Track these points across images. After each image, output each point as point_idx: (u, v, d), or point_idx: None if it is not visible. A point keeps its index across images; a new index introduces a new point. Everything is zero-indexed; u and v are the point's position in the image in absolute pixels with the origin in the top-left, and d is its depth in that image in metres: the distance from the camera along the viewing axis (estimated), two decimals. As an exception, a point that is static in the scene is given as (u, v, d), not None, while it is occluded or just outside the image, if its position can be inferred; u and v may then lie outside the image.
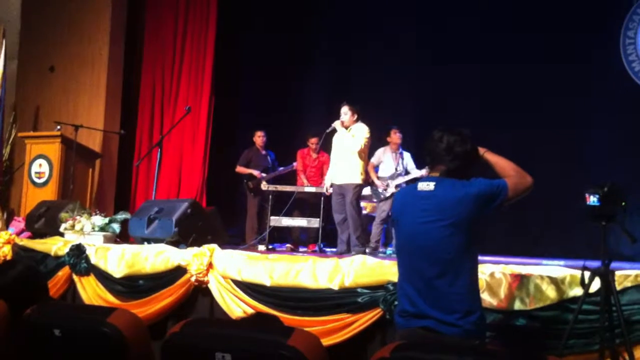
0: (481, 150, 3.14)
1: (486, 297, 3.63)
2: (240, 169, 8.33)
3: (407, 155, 7.72)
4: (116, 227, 6.25)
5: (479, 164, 3.13)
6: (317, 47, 9.79)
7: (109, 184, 9.18)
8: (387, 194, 7.28)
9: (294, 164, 8.27)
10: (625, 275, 3.51)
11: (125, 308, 3.70)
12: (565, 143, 8.00)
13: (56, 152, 7.87)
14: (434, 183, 3.01)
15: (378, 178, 7.51)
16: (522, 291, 3.64)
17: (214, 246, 4.95)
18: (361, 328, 4.04)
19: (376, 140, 7.37)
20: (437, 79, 8.58)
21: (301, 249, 7.53)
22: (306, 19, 9.65)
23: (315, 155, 8.16)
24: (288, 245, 7.76)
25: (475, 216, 2.92)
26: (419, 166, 7.40)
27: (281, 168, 8.37)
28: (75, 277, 5.50)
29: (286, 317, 4.20)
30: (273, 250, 7.21)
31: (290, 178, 8.36)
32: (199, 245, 5.07)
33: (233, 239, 7.73)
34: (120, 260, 5.25)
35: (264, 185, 7.68)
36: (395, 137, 7.67)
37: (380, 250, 7.16)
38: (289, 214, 7.49)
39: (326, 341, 3.97)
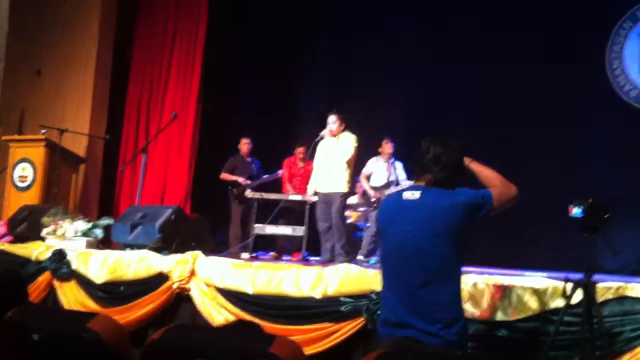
0: (466, 161, 3.15)
1: (469, 308, 3.63)
2: (224, 176, 8.30)
3: (399, 165, 7.76)
4: (99, 232, 6.21)
5: (465, 175, 3.14)
6: (308, 53, 9.79)
7: (93, 188, 9.11)
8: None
9: (279, 171, 8.24)
10: (607, 287, 3.53)
11: (106, 314, 3.67)
12: (551, 158, 8.05)
13: (40, 156, 7.80)
14: (419, 192, 3.01)
15: (371, 188, 7.56)
16: (505, 302, 3.65)
17: (197, 253, 4.93)
18: (344, 337, 4.03)
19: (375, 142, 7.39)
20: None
21: (285, 258, 7.50)
22: (296, 22, 9.64)
23: (302, 164, 8.15)
24: (272, 253, 7.73)
25: (461, 226, 2.93)
26: (410, 176, 7.42)
27: (266, 176, 8.35)
28: (56, 283, 5.44)
29: (268, 326, 4.18)
30: (257, 259, 7.18)
31: (276, 186, 8.34)
32: (183, 251, 5.05)
33: (217, 246, 7.69)
34: (102, 266, 5.21)
35: (249, 193, 7.65)
36: (386, 147, 7.71)
37: (364, 259, 7.15)
38: (274, 222, 7.46)
39: (308, 350, 3.95)
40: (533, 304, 3.58)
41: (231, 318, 4.41)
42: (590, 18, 8.12)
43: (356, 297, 4.06)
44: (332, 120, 6.76)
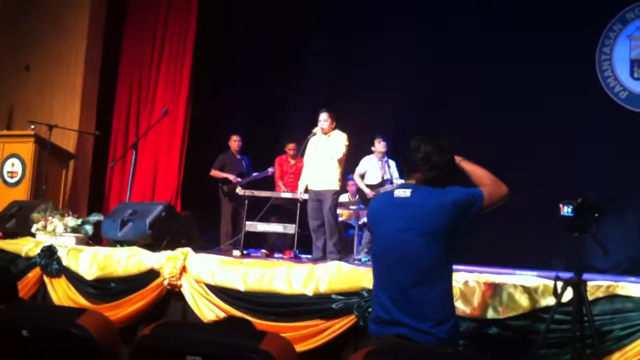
0: (457, 159, 3.14)
1: (460, 306, 3.64)
2: (214, 173, 8.28)
3: (392, 164, 7.80)
4: (89, 228, 6.18)
5: (456, 174, 3.14)
6: (298, 52, 9.77)
7: (83, 185, 9.08)
8: None
9: (269, 169, 8.23)
10: (597, 285, 3.55)
11: (96, 310, 3.65)
12: (543, 159, 8.07)
13: (29, 152, 7.78)
14: (410, 190, 3.01)
15: (367, 186, 7.58)
16: (496, 300, 3.66)
17: (188, 250, 4.91)
18: (334, 334, 4.03)
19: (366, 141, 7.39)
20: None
21: (276, 255, 7.49)
22: (286, 20, 9.63)
23: (294, 162, 8.14)
24: (263, 250, 7.72)
25: (451, 224, 2.92)
26: (402, 175, 7.44)
27: (255, 173, 8.33)
28: (46, 279, 5.42)
29: (259, 322, 4.18)
30: (248, 256, 7.16)
31: (268, 183, 8.33)
32: (173, 248, 5.03)
33: (208, 243, 7.67)
34: (92, 262, 5.19)
35: (240, 190, 7.64)
36: (379, 146, 7.76)
37: (356, 257, 7.15)
38: (266, 219, 7.45)
39: (299, 347, 3.95)
40: (524, 302, 3.59)
41: (222, 315, 4.40)
42: (582, 20, 8.16)
43: (347, 294, 4.06)
44: (323, 118, 6.76)
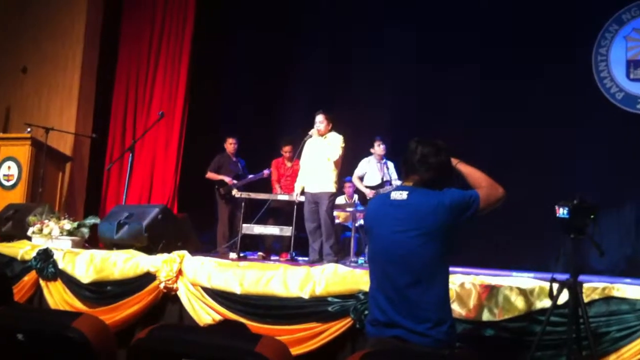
0: (454, 161, 3.15)
1: (456, 307, 3.64)
2: (210, 175, 8.28)
3: (391, 165, 7.84)
4: (85, 231, 6.16)
5: (453, 176, 3.14)
6: (295, 53, 9.79)
7: (79, 187, 9.06)
8: None
9: (265, 171, 8.23)
10: (593, 287, 3.55)
11: (92, 314, 3.64)
12: (539, 159, 8.08)
13: (26, 155, 7.77)
14: (407, 192, 3.01)
15: (367, 187, 7.60)
16: (492, 302, 3.66)
17: (184, 253, 4.90)
18: (331, 337, 4.02)
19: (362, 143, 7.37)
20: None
21: (273, 258, 7.49)
22: (283, 21, 9.64)
23: (290, 164, 8.14)
24: (260, 253, 7.71)
25: (448, 226, 2.93)
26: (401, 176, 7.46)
27: (251, 175, 8.33)
28: (42, 282, 5.39)
29: (256, 326, 4.17)
30: (244, 258, 7.16)
31: (265, 186, 8.33)
32: (169, 251, 5.02)
33: (204, 245, 7.67)
34: (89, 265, 5.17)
35: (237, 192, 7.64)
36: (379, 149, 7.78)
37: (352, 259, 7.15)
38: (263, 222, 7.45)
39: (295, 350, 3.94)
40: (520, 304, 3.59)
41: (218, 318, 4.39)
42: (578, 21, 8.18)
43: (344, 297, 4.05)
44: (320, 120, 6.77)
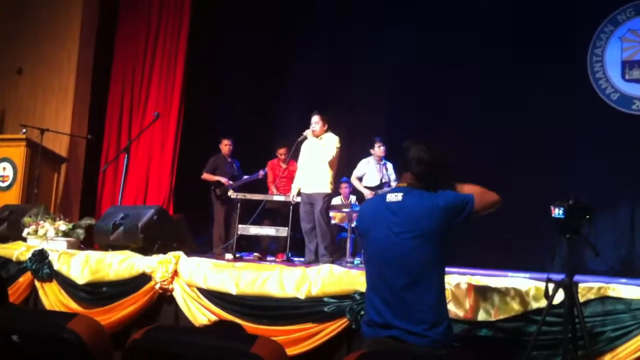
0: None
1: (452, 308, 3.64)
2: (206, 176, 8.27)
3: (390, 166, 7.85)
4: (80, 232, 6.14)
5: (446, 174, 3.14)
6: (291, 54, 9.79)
7: (75, 189, 9.04)
8: None
9: (260, 171, 8.23)
10: (589, 287, 3.56)
11: (87, 315, 3.63)
12: (535, 160, 8.09)
13: (21, 156, 7.74)
14: (402, 194, 3.02)
15: (365, 188, 7.60)
16: (487, 302, 3.66)
17: (180, 253, 4.90)
18: (327, 338, 4.02)
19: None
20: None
21: (269, 258, 7.49)
22: (279, 22, 9.64)
23: (285, 166, 8.14)
24: (255, 254, 7.71)
25: (443, 228, 2.93)
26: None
27: (246, 176, 8.33)
28: (37, 283, 5.38)
29: (252, 326, 4.17)
30: (240, 259, 7.16)
31: (261, 187, 8.33)
32: (165, 252, 5.01)
33: (200, 247, 7.66)
34: (84, 266, 5.16)
35: (232, 193, 7.64)
36: (379, 150, 7.79)
37: (348, 260, 7.15)
38: (259, 223, 7.45)
39: (291, 351, 3.94)
40: (515, 304, 3.60)
41: (214, 319, 4.39)
42: (573, 22, 8.19)
43: (340, 297, 4.05)
44: (315, 121, 6.77)
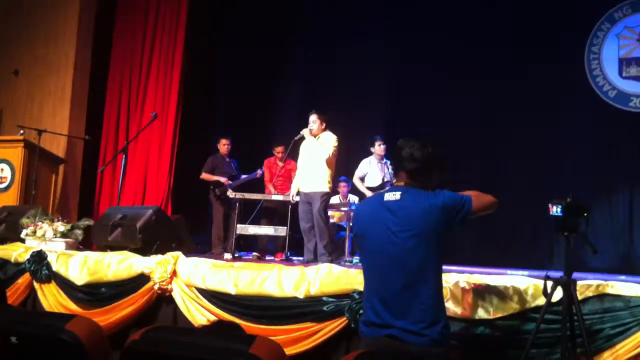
0: None
1: (450, 306, 3.64)
2: (205, 176, 8.26)
3: (391, 166, 7.83)
4: (79, 233, 6.14)
5: (442, 171, 3.14)
6: (288, 53, 9.79)
7: (73, 189, 9.04)
8: None
9: (258, 171, 8.23)
10: (587, 285, 3.56)
11: (85, 316, 3.62)
12: (533, 158, 8.10)
13: (19, 157, 7.75)
14: (399, 193, 3.01)
15: (367, 188, 7.60)
16: (486, 300, 3.66)
17: (178, 254, 4.89)
18: (326, 337, 4.02)
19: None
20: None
21: (267, 258, 7.49)
22: (276, 22, 9.64)
23: (282, 164, 8.14)
24: (254, 254, 7.71)
25: (440, 227, 2.93)
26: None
27: (244, 176, 8.32)
28: (35, 284, 5.38)
29: (250, 326, 4.16)
30: (239, 259, 7.16)
31: (259, 186, 8.32)
32: (163, 252, 5.01)
33: (199, 247, 7.66)
34: (82, 267, 5.16)
35: (231, 193, 7.63)
36: (379, 149, 7.79)
37: (347, 259, 7.15)
38: (257, 222, 7.45)
39: (290, 350, 3.94)
40: (514, 302, 3.59)
41: (213, 319, 4.38)
42: (570, 19, 8.20)
43: (338, 296, 4.05)
44: (313, 120, 6.77)
